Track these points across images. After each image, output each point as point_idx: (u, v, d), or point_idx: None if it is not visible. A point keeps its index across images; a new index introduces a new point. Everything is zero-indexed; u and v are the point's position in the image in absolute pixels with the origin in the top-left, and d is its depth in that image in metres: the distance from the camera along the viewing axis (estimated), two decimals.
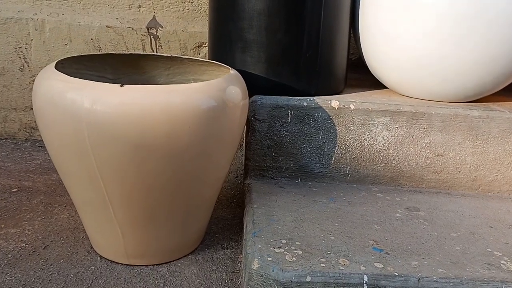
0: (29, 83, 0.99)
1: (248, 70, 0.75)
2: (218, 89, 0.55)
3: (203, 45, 0.99)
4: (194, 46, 1.00)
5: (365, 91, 0.86)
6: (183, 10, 0.99)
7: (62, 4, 0.95)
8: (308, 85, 0.76)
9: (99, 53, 0.77)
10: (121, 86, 0.51)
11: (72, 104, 0.51)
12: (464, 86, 0.76)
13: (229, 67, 0.67)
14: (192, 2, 0.99)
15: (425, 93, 0.79)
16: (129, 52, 0.73)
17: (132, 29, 0.99)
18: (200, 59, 0.72)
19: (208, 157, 0.56)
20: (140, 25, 0.99)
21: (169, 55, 0.73)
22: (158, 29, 0.99)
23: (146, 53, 0.76)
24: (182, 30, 1.00)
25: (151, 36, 1.00)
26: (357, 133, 0.76)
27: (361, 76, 0.97)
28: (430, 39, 0.72)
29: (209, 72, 0.72)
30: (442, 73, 0.74)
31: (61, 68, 0.63)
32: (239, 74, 0.64)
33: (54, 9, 0.95)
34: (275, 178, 0.77)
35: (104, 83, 0.52)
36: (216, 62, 0.70)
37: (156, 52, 1.00)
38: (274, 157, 0.76)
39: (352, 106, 0.75)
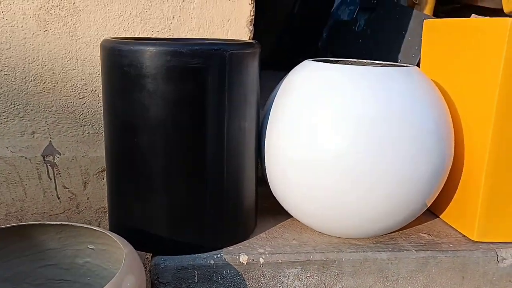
0: None
1: (150, 230, 0.70)
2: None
3: None
4: (97, 171, 0.94)
5: (276, 224, 0.84)
6: (82, 134, 0.93)
7: None
8: (215, 240, 0.72)
9: None
10: None
11: None
12: (368, 227, 0.75)
13: (122, 242, 0.61)
14: (92, 126, 0.93)
15: (334, 232, 0.78)
16: (10, 225, 0.65)
17: (26, 158, 0.91)
18: (94, 228, 0.65)
19: None
20: (34, 153, 0.91)
21: (58, 223, 0.66)
22: (56, 156, 0.92)
23: (33, 222, 0.69)
24: (83, 156, 0.93)
25: (48, 164, 0.92)
26: (268, 285, 0.73)
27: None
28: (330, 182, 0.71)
29: (105, 237, 0.66)
30: (345, 215, 0.73)
31: None
32: (135, 254, 0.59)
33: None
34: None
35: None
36: (112, 235, 0.64)
37: (55, 180, 0.92)
38: None
39: (261, 260, 0.72)
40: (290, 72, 0.80)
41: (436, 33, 0.90)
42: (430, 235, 0.84)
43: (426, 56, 0.93)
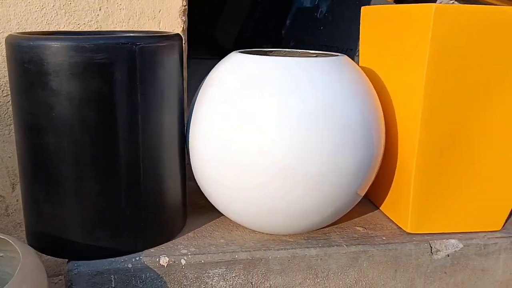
0: None
1: (64, 236, 0.66)
2: None
3: None
4: None
5: (208, 222, 0.81)
6: (9, 134, 0.89)
7: None
8: (134, 243, 0.69)
9: None
10: None
11: None
12: (298, 223, 0.73)
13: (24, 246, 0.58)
14: None
15: (265, 229, 0.76)
16: None
17: None
18: (1, 236, 0.62)
19: None
20: None
21: None
22: None
23: None
24: (9, 157, 0.89)
25: None
26: (191, 287, 0.70)
27: None
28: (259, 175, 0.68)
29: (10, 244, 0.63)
30: (273, 212, 0.71)
31: None
32: (35, 262, 0.56)
33: None
34: None
35: None
36: (13, 242, 0.60)
37: None
38: None
39: (183, 261, 0.69)
40: (216, 65, 0.77)
41: (372, 20, 0.87)
42: (365, 228, 0.82)
43: (364, 43, 0.91)
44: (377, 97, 0.76)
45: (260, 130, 0.66)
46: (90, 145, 0.64)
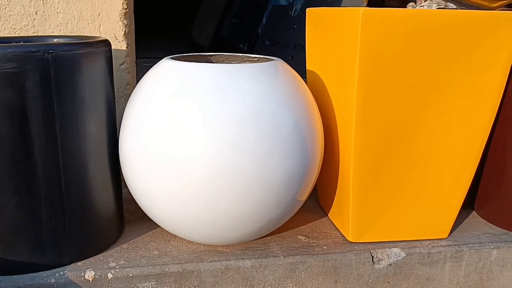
0: None
1: None
2: None
3: None
4: None
5: (146, 232, 0.79)
6: None
7: None
8: (59, 257, 0.67)
9: None
10: None
11: None
12: (231, 233, 0.71)
13: None
14: None
15: (199, 239, 0.74)
16: None
17: None
18: None
19: None
20: None
21: None
22: None
23: None
24: None
25: None
26: None
27: None
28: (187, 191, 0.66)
29: None
30: (203, 223, 0.69)
31: None
32: None
33: None
34: None
35: None
36: None
37: None
38: None
39: (110, 275, 0.67)
40: (148, 71, 0.74)
41: (315, 22, 0.85)
42: (308, 237, 0.80)
43: (309, 46, 0.88)
44: (314, 103, 0.73)
45: (187, 140, 0.63)
46: (4, 157, 0.61)
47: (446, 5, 2.27)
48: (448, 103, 0.70)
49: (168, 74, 0.68)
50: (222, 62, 0.85)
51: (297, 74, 0.75)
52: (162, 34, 2.85)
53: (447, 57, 0.67)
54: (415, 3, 2.59)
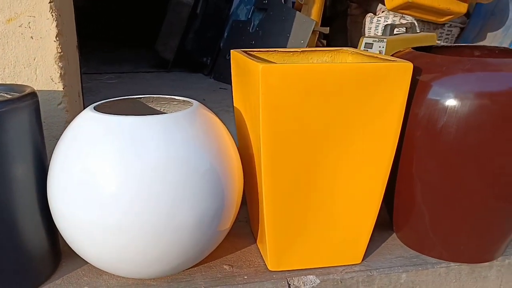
0: None
1: None
2: None
3: None
4: None
5: (82, 266, 0.84)
6: None
7: None
8: None
9: None
10: None
11: None
12: (154, 269, 0.76)
13: None
14: None
15: (127, 274, 0.79)
16: None
17: None
18: None
19: None
20: None
21: None
22: None
23: None
24: None
25: None
26: None
27: None
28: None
29: None
30: (124, 260, 0.74)
31: None
32: None
33: None
34: None
35: None
36: None
37: None
38: None
39: None
40: (71, 122, 0.79)
41: (236, 63, 0.90)
42: (233, 266, 0.86)
43: (234, 84, 0.93)
44: (230, 144, 0.79)
45: (102, 189, 0.69)
46: None
47: (401, 17, 2.34)
48: (349, 145, 0.76)
49: (88, 124, 0.73)
50: (151, 102, 0.90)
51: (215, 117, 0.81)
52: (128, 49, 2.89)
53: (344, 105, 0.73)
54: (375, 15, 2.66)
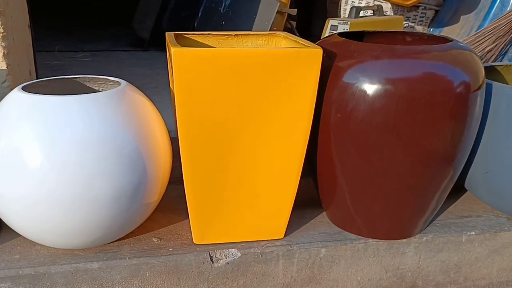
0: None
1: None
2: None
3: None
4: None
5: (18, 237, 0.89)
6: None
7: None
8: None
9: None
10: None
11: None
12: (81, 240, 0.81)
13: None
14: None
15: (57, 245, 0.84)
16: None
17: None
18: None
19: None
20: None
21: None
22: None
23: None
24: None
25: None
26: None
27: None
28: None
29: None
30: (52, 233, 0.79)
31: None
32: None
33: None
34: None
35: None
36: None
37: None
38: None
39: None
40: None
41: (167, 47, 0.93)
42: (161, 239, 0.91)
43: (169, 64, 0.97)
44: (156, 124, 0.83)
45: (22, 164, 0.73)
46: None
47: (374, 1, 2.35)
48: (264, 126, 0.80)
49: (13, 103, 0.77)
50: (88, 82, 0.94)
51: (143, 98, 0.85)
52: (108, 27, 2.90)
53: (255, 88, 0.77)
54: None
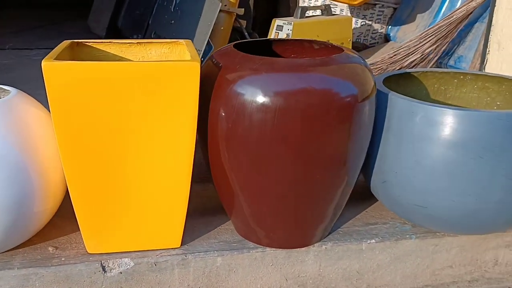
0: None
1: None
2: None
3: None
4: None
5: None
6: None
7: None
8: None
9: None
10: None
11: None
12: None
13: None
14: None
15: None
16: None
17: None
18: None
19: None
20: None
21: None
22: None
23: None
24: None
25: None
26: None
27: None
28: None
29: None
30: None
31: None
32: None
33: None
34: None
35: None
36: None
37: None
38: None
39: None
40: None
41: None
42: (57, 248, 0.91)
43: None
44: (45, 135, 0.83)
45: None
46: None
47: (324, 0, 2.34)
48: (148, 138, 0.80)
49: None
50: None
51: (34, 108, 0.85)
52: (69, 23, 2.88)
53: (134, 101, 0.76)
54: None
